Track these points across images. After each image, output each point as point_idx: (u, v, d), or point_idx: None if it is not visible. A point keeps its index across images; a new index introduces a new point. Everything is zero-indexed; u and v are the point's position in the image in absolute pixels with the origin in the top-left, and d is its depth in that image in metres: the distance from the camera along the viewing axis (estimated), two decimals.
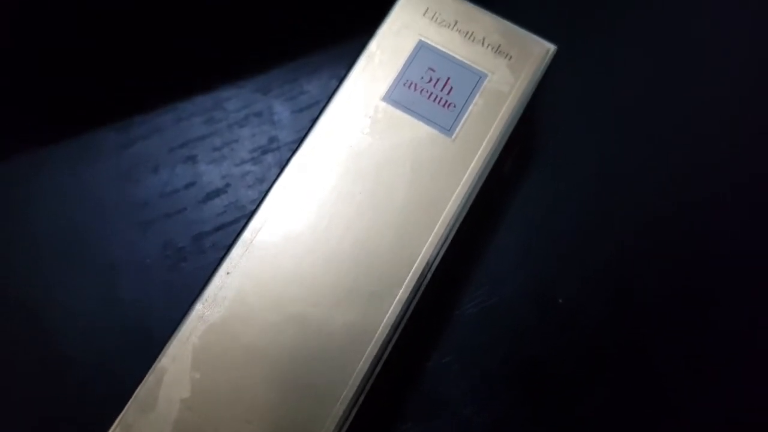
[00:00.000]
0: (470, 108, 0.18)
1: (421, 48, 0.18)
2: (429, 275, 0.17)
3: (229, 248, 0.16)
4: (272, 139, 0.22)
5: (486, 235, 0.21)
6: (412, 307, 0.17)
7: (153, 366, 0.16)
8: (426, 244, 0.17)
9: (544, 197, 0.21)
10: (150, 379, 0.16)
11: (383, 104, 0.18)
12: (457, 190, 0.17)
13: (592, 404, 0.19)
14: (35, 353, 0.19)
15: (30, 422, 0.19)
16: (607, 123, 0.23)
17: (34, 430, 0.19)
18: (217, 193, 0.21)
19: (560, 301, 0.20)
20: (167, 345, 0.16)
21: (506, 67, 0.18)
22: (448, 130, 0.18)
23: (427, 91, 0.18)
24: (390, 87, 0.18)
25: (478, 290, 0.20)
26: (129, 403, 0.15)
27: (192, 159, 0.21)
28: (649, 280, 0.21)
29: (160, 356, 0.16)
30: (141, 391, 0.15)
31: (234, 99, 0.22)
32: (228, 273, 0.16)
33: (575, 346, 0.20)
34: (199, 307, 0.16)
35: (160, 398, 0.15)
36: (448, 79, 0.18)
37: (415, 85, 0.18)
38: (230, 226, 0.21)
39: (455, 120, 0.18)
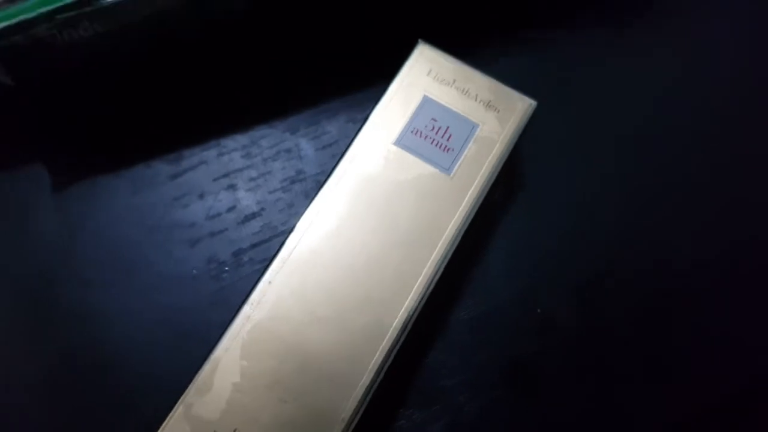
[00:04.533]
0: (465, 152, 0.22)
1: (426, 102, 0.23)
2: (431, 287, 0.21)
3: (270, 262, 0.20)
4: (299, 172, 0.26)
5: (477, 255, 0.25)
6: (417, 312, 0.21)
7: (209, 356, 0.19)
8: (428, 261, 0.21)
9: (526, 224, 0.26)
10: (207, 366, 0.19)
11: (394, 147, 0.22)
12: (454, 219, 0.21)
13: (563, 396, 0.23)
14: (91, 357, 0.23)
15: (91, 415, 0.22)
16: (578, 162, 0.27)
17: (96, 423, 0.22)
18: (254, 216, 0.25)
19: (539, 310, 0.24)
20: (221, 339, 0.20)
21: (495, 118, 0.23)
22: (447, 169, 0.22)
23: (430, 138, 0.22)
24: (400, 133, 0.22)
25: (471, 300, 0.24)
26: (190, 386, 0.19)
27: (232, 187, 0.25)
28: (614, 294, 0.25)
29: (215, 348, 0.20)
30: (200, 377, 0.19)
31: (268, 137, 0.26)
32: (270, 282, 0.20)
33: (550, 348, 0.24)
34: (246, 309, 0.20)
35: (215, 382, 0.19)
36: (448, 127, 0.22)
37: (421, 132, 0.22)
38: (264, 244, 0.25)
39: (453, 161, 0.22)
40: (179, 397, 0.19)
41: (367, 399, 0.20)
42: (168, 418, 0.19)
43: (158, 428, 0.19)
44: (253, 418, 0.19)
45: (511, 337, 0.24)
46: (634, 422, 0.23)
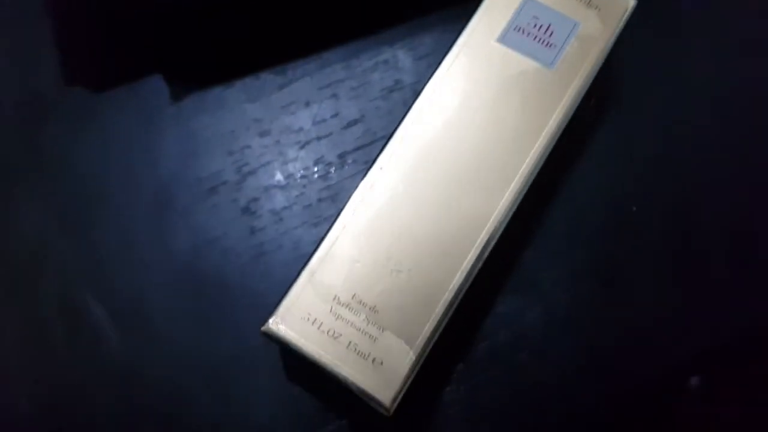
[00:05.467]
0: (567, 48, 0.23)
1: (527, 2, 0.23)
2: (533, 177, 0.22)
3: (381, 149, 0.22)
4: (397, 81, 0.27)
5: (573, 158, 0.26)
6: (519, 199, 0.22)
7: (328, 232, 0.21)
8: (531, 151, 0.22)
9: (620, 133, 0.26)
10: (327, 240, 0.21)
11: (497, 45, 0.23)
12: (557, 111, 0.22)
13: (651, 296, 0.24)
14: (214, 249, 0.25)
15: (216, 297, 0.25)
16: (674, 72, 0.27)
17: (222, 301, 0.25)
18: (355, 122, 0.27)
19: (634, 208, 0.25)
20: (337, 218, 0.21)
21: (596, 16, 0.23)
22: (550, 64, 0.23)
23: (533, 35, 0.23)
24: (503, 31, 0.23)
25: (566, 197, 0.25)
26: (314, 256, 0.21)
27: (335, 96, 0.27)
28: (701, 198, 0.25)
29: (332, 225, 0.21)
30: (321, 248, 0.21)
31: (366, 50, 0.28)
32: (381, 168, 0.22)
33: (641, 246, 0.24)
34: (360, 190, 0.21)
35: (336, 253, 0.21)
36: (550, 25, 0.23)
37: (523, 29, 0.23)
38: (366, 147, 0.26)
39: (555, 56, 0.23)
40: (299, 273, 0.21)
41: (472, 276, 0.21)
42: (293, 282, 0.21)
43: (284, 296, 0.21)
44: (370, 285, 0.20)
45: (603, 234, 0.25)
46: (718, 324, 0.24)
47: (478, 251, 0.21)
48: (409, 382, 0.20)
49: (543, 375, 0.23)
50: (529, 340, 0.23)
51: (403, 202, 0.21)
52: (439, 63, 0.23)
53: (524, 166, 0.22)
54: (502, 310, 0.24)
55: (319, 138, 0.26)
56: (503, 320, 0.24)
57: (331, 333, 0.20)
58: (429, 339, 0.20)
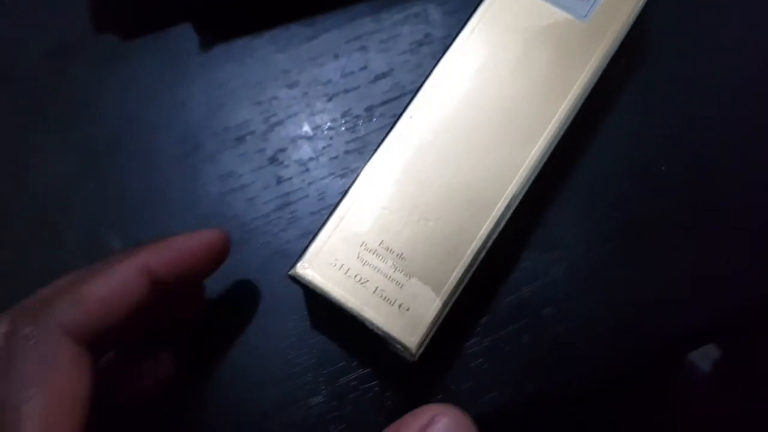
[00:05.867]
0: (601, 0, 0.22)
1: None
2: (562, 130, 0.22)
3: (412, 99, 0.22)
4: (427, 35, 0.27)
5: (602, 116, 0.25)
6: (548, 152, 0.22)
7: (355, 179, 0.21)
8: (562, 104, 0.22)
9: (650, 92, 0.26)
10: (354, 188, 0.21)
11: None
12: (589, 64, 0.22)
13: (674, 256, 0.24)
14: (239, 197, 0.25)
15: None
16: (706, 34, 0.27)
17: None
18: (384, 75, 0.26)
19: (663, 168, 0.24)
20: (366, 165, 0.21)
21: None
22: (583, 16, 0.22)
23: None
24: None
25: (592, 157, 0.25)
26: (342, 202, 0.21)
27: (364, 48, 0.27)
28: (726, 154, 0.25)
29: (360, 172, 0.21)
30: (350, 194, 0.21)
31: (396, 3, 0.27)
32: (411, 117, 0.22)
33: (667, 206, 0.24)
34: (389, 140, 0.21)
35: (364, 200, 0.21)
36: None
37: None
38: (394, 101, 0.26)
39: (589, 9, 0.22)
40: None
41: (500, 228, 0.21)
42: (321, 227, 0.21)
43: (312, 241, 0.21)
44: (397, 232, 0.21)
45: (629, 194, 0.25)
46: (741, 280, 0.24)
47: (505, 203, 0.21)
48: (434, 329, 0.20)
49: (566, 331, 0.23)
50: (553, 297, 0.24)
51: (431, 153, 0.21)
52: (471, 14, 0.23)
53: (554, 120, 0.22)
54: (528, 266, 0.24)
55: (347, 91, 0.26)
56: (528, 276, 0.24)
57: (358, 278, 0.20)
58: (455, 287, 0.20)
